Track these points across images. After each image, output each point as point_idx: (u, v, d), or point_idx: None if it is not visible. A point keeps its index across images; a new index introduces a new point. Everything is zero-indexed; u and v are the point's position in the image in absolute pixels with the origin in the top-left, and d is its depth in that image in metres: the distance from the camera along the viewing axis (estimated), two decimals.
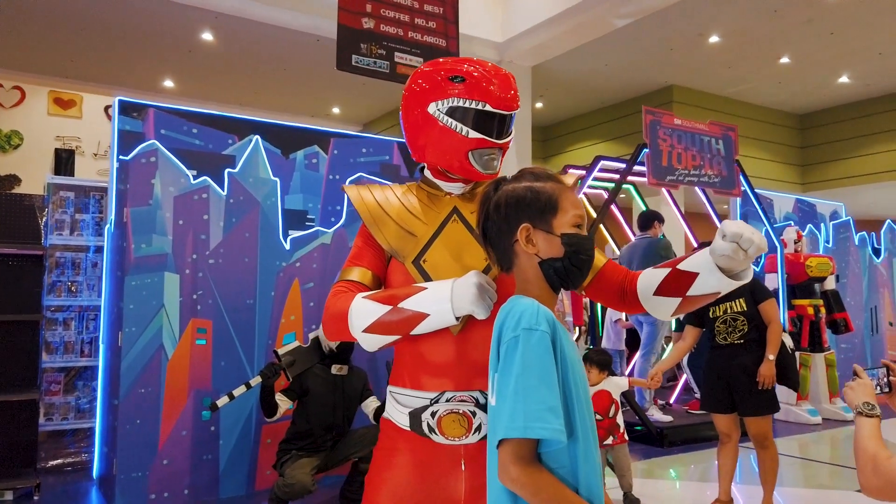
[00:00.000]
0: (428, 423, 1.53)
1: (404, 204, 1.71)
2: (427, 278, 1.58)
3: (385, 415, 1.68)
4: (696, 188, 5.88)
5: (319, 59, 11.62)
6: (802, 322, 6.14)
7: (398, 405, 1.61)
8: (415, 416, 1.55)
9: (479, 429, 1.51)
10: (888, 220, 8.25)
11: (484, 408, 1.51)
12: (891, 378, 1.60)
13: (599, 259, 1.70)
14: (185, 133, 4.50)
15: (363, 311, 1.52)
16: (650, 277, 1.60)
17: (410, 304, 1.48)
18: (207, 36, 10.74)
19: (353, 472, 3.84)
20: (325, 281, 4.39)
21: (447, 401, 1.53)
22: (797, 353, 6.31)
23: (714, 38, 11.97)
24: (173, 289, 3.95)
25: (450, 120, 1.60)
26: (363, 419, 3.94)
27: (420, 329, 1.48)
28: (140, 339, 3.84)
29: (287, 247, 4.31)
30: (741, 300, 3.47)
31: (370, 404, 3.82)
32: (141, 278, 3.86)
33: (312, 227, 4.81)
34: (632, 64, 12.98)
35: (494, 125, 1.61)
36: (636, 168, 5.67)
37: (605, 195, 6.15)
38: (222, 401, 3.60)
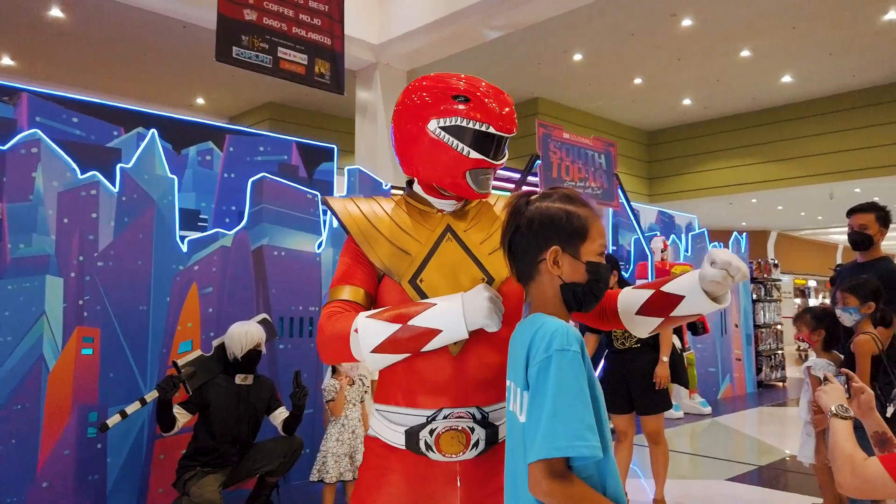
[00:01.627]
0: (426, 441, 1.51)
1: (395, 220, 1.68)
2: (425, 298, 1.55)
3: (372, 434, 1.63)
4: None
5: (185, 46, 10.96)
6: None
7: (390, 423, 1.58)
8: (412, 434, 1.53)
9: (476, 444, 1.52)
10: (734, 232, 9.22)
11: (481, 423, 1.53)
12: (851, 384, 1.79)
13: None
14: (65, 122, 4.10)
15: (371, 331, 1.47)
16: (632, 297, 1.68)
17: (421, 320, 1.45)
18: (56, 13, 9.78)
19: (259, 485, 3.70)
20: (225, 285, 4.18)
21: (445, 418, 1.51)
22: (684, 353, 6.87)
23: (577, 56, 12.72)
24: (56, 294, 3.58)
25: (450, 138, 1.58)
26: (268, 431, 3.80)
27: (431, 346, 1.47)
28: (17, 350, 3.44)
29: (184, 249, 4.05)
30: None
31: (279, 415, 3.69)
32: (18, 282, 3.47)
33: (206, 227, 4.57)
34: (502, 75, 13.46)
35: (493, 146, 1.61)
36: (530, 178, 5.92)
37: None
38: (113, 420, 3.33)
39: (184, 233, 4.13)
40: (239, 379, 3.58)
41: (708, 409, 6.90)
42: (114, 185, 3.81)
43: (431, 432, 1.51)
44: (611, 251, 6.26)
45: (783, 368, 9.95)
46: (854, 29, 11.20)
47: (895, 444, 1.72)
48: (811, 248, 23.38)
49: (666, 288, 1.62)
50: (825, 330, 3.30)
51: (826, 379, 1.74)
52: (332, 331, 1.53)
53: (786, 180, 14.51)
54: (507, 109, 1.62)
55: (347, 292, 1.61)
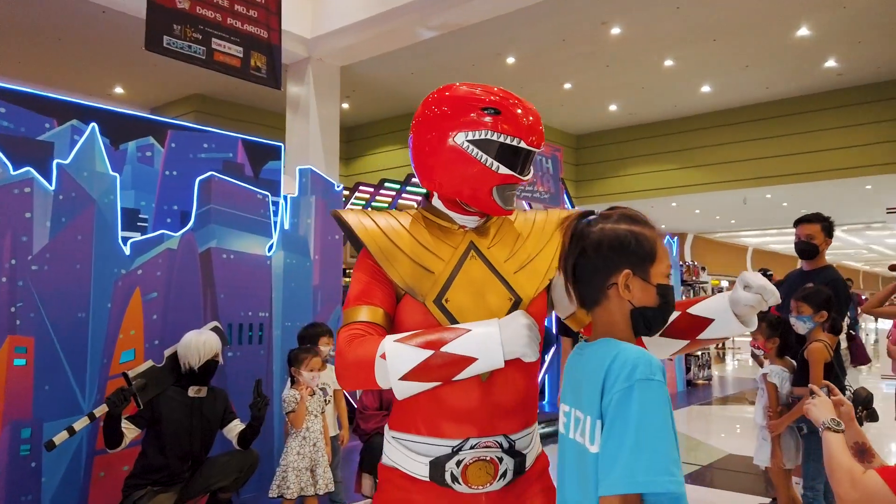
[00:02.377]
0: (452, 473, 1.44)
1: (414, 236, 1.59)
2: (452, 319, 1.47)
3: (389, 463, 1.55)
4: (525, 203, 6.30)
5: (104, 32, 10.35)
6: None
7: (410, 453, 1.49)
8: (437, 465, 1.45)
9: (504, 475, 1.46)
10: (667, 235, 9.57)
11: (509, 452, 1.47)
12: (831, 397, 1.84)
13: None
14: None
15: (400, 357, 1.38)
16: None
17: (456, 347, 1.36)
18: None
19: (211, 502, 3.51)
20: (172, 291, 3.94)
21: (472, 448, 1.45)
22: None
23: (511, 59, 12.87)
24: None
25: (479, 152, 1.50)
26: (221, 445, 3.62)
27: (464, 374, 1.38)
28: None
29: (127, 252, 3.79)
30: None
31: (234, 428, 3.51)
32: None
33: (146, 228, 4.31)
34: (435, 75, 13.44)
35: (520, 161, 1.54)
36: None
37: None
38: (60, 437, 3.07)
39: (126, 234, 3.87)
40: (192, 391, 3.38)
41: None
42: (50, 182, 3.52)
43: (458, 463, 1.44)
44: None
45: (709, 367, 10.42)
46: (769, 43, 11.83)
47: (874, 453, 1.78)
48: (724, 249, 24.62)
49: (693, 310, 1.59)
50: (779, 338, 3.44)
51: (813, 394, 1.76)
52: (354, 356, 1.43)
53: (703, 185, 15.19)
54: (536, 123, 1.55)
55: (366, 313, 1.50)
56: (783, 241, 26.14)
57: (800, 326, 3.25)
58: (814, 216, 3.78)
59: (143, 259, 3.86)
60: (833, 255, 32.84)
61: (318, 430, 3.57)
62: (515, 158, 1.53)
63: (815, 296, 3.20)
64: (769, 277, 12.78)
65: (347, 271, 6.18)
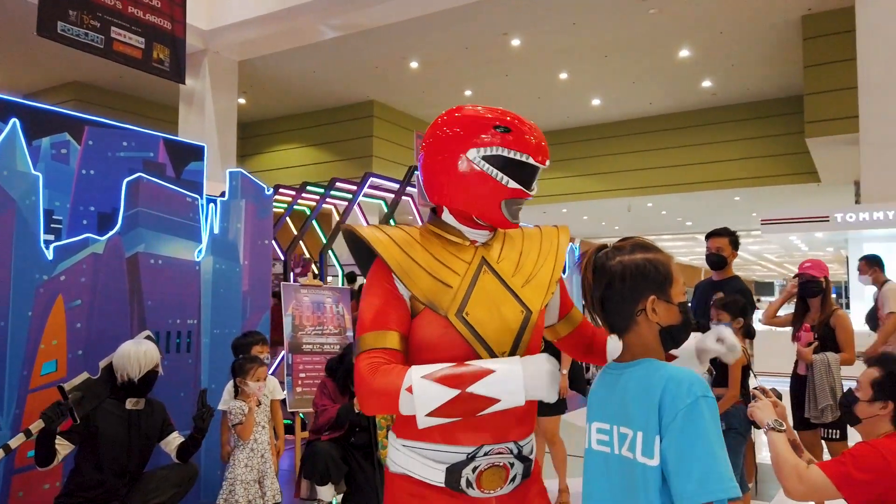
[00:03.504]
0: (468, 479, 1.52)
1: (429, 251, 1.65)
2: (473, 331, 1.55)
3: (399, 470, 1.60)
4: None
5: None
6: None
7: (426, 460, 1.56)
8: (453, 471, 1.52)
9: (513, 479, 1.57)
10: (570, 243, 10.04)
11: (519, 457, 1.57)
12: (767, 398, 2.04)
13: (578, 314, 1.86)
14: None
15: (427, 394, 1.43)
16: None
17: (481, 389, 1.43)
18: None
19: None
20: (97, 298, 3.72)
21: (486, 454, 1.53)
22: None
23: (414, 64, 12.99)
24: None
25: (490, 168, 1.58)
26: (159, 458, 3.47)
27: (487, 412, 1.46)
28: None
29: (49, 256, 3.55)
30: None
31: (172, 441, 3.37)
32: None
33: (60, 230, 4.04)
34: (338, 75, 13.34)
35: (529, 176, 1.63)
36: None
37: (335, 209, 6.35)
38: None
39: (49, 237, 3.62)
40: (130, 403, 3.22)
41: None
42: None
43: (474, 469, 1.52)
44: None
45: None
46: (654, 62, 12.70)
47: (802, 448, 2.00)
48: None
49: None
50: None
51: (755, 397, 1.96)
52: (378, 385, 1.48)
53: (592, 193, 16.03)
54: (542, 140, 1.65)
55: (384, 339, 1.54)
56: (661, 247, 28.26)
57: None
58: (723, 230, 4.15)
59: (66, 264, 3.62)
60: (700, 259, 35.55)
61: (265, 442, 3.51)
62: (523, 174, 1.61)
63: (733, 304, 3.54)
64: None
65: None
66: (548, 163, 1.64)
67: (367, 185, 5.97)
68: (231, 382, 3.65)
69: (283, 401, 4.50)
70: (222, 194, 4.70)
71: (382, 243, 1.63)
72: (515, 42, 12.04)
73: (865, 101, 8.78)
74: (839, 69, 10.29)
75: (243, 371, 3.50)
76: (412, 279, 1.58)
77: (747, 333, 3.57)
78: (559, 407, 4.06)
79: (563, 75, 13.46)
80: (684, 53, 12.34)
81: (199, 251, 4.29)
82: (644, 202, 16.44)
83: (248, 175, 4.64)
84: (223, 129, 12.03)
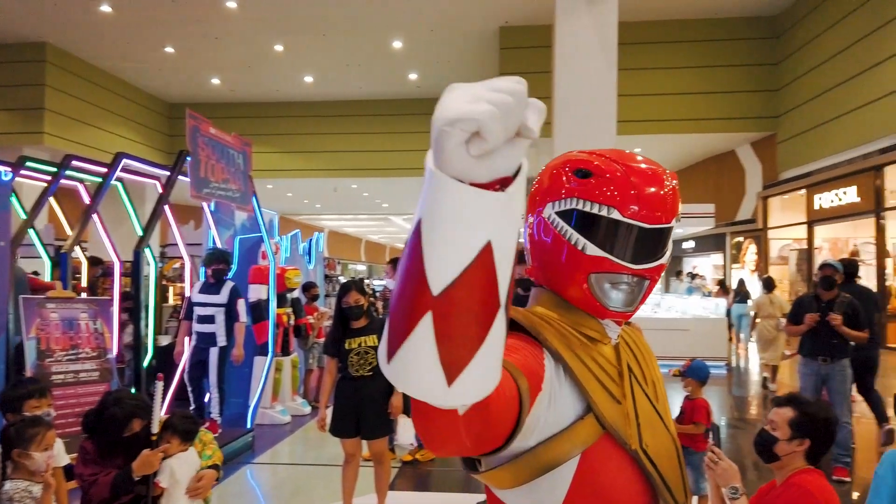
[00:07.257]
0: None
1: (576, 352, 1.16)
2: (658, 471, 1.14)
3: None
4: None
5: None
6: (278, 329, 6.45)
7: None
8: None
9: None
10: (316, 232, 9.61)
11: None
12: (719, 460, 2.03)
13: None
14: None
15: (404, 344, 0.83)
16: None
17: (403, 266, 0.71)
18: None
19: None
20: None
21: None
22: (289, 357, 6.73)
23: (106, 7, 11.22)
24: None
25: (564, 226, 1.13)
26: None
27: (435, 255, 0.68)
28: None
29: None
30: (374, 336, 3.78)
31: None
32: None
33: None
34: (5, 10, 10.84)
35: (630, 241, 1.12)
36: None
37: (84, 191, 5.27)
38: None
39: None
40: None
41: (308, 409, 7.03)
42: None
43: None
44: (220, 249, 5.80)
45: None
46: (369, 48, 12.95)
47: (745, 493, 2.09)
48: (302, 229, 25.87)
49: None
50: None
51: (714, 462, 2.02)
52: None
53: (299, 171, 15.76)
54: (651, 189, 1.12)
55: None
56: (356, 226, 29.17)
57: None
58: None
59: None
60: (388, 237, 37.51)
61: None
62: (622, 238, 1.12)
63: None
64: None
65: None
66: (674, 221, 1.14)
67: (119, 168, 4.93)
68: None
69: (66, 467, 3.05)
70: None
71: (547, 338, 1.13)
72: (231, 4, 11.15)
73: (559, 112, 10.15)
74: (533, 80, 11.69)
75: (23, 439, 2.57)
76: (587, 385, 1.11)
77: None
78: (386, 427, 3.92)
79: (278, 47, 12.92)
80: (397, 44, 12.80)
81: None
82: (349, 184, 16.72)
83: None
84: None
